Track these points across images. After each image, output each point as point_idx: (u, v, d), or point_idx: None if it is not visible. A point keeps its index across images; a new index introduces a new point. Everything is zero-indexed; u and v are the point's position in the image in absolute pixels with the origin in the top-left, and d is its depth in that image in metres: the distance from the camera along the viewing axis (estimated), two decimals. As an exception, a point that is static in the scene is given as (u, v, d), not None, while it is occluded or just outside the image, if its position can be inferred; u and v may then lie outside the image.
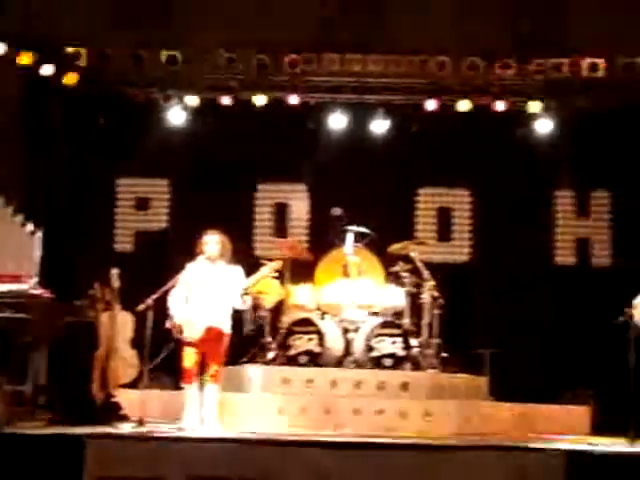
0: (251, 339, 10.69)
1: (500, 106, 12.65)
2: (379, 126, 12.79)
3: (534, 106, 12.62)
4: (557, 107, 12.65)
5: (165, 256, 10.30)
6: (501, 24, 14.26)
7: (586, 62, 12.29)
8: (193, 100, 12.64)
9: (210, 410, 8.69)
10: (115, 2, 13.41)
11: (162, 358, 9.88)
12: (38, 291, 9.77)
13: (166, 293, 8.78)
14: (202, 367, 9.01)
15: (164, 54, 12.38)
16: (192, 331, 8.67)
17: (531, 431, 9.65)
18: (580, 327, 11.70)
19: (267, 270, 9.30)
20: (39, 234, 11.14)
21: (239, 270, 9.00)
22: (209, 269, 8.86)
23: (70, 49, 12.35)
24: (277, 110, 12.74)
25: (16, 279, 10.07)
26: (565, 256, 13.01)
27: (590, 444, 8.11)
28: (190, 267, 8.88)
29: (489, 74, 12.52)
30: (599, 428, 10.05)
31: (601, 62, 12.25)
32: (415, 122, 12.76)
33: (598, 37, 12.68)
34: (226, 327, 8.83)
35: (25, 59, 11.86)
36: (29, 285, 9.88)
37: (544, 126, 12.67)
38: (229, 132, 12.74)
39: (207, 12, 12.96)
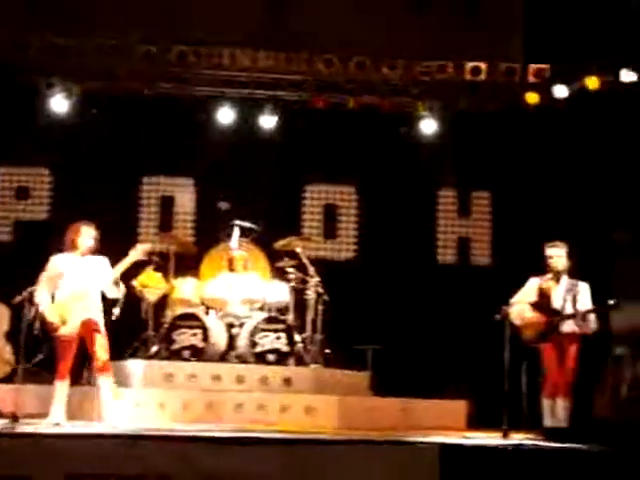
0: (133, 333, 10.54)
1: (386, 105, 12.80)
2: (267, 122, 12.78)
3: (419, 107, 12.81)
4: (441, 108, 12.85)
5: (45, 248, 10.04)
6: (390, 25, 14.47)
7: (469, 65, 12.53)
8: (77, 89, 12.39)
9: (107, 403, 8.56)
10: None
11: (40, 355, 9.71)
12: None
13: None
14: (88, 362, 8.94)
15: (50, 40, 12.13)
16: (66, 327, 8.50)
17: (411, 425, 9.76)
18: (460, 324, 11.89)
19: (136, 254, 9.11)
20: None
21: (105, 260, 8.86)
22: (76, 262, 8.66)
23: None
24: (165, 102, 12.63)
25: None
26: (446, 255, 13.22)
27: (465, 437, 8.24)
28: (55, 261, 8.66)
29: (376, 74, 12.62)
30: (476, 422, 10.28)
31: (483, 65, 12.52)
32: (303, 119, 12.83)
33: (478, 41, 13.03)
34: (98, 319, 8.69)
35: None
36: None
37: (428, 126, 12.86)
38: (115, 123, 12.56)
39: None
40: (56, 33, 12.12)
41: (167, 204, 12.98)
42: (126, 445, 6.82)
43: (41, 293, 8.54)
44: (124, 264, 8.91)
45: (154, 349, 10.43)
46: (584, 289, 8.94)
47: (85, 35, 12.15)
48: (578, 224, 12.01)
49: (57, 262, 8.67)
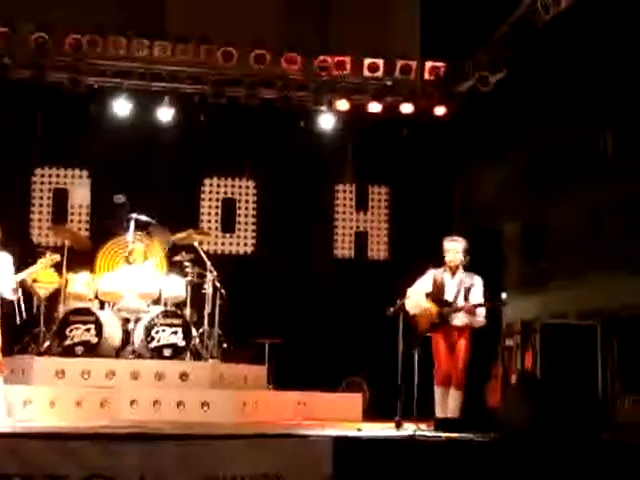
0: (24, 329, 10.41)
1: (286, 100, 12.85)
2: (165, 114, 12.73)
3: (319, 102, 12.92)
4: (342, 104, 12.97)
5: None
6: (289, 19, 14.58)
7: (367, 61, 12.68)
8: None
9: None
10: None
11: None
12: None
13: None
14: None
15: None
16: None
17: (308, 418, 9.85)
18: (357, 318, 12.03)
19: (43, 264, 9.06)
20: None
21: (8, 258, 8.73)
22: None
23: None
24: (58, 93, 12.43)
25: None
26: (344, 249, 13.38)
27: (358, 430, 8.30)
28: None
29: (275, 68, 12.67)
30: (371, 414, 10.39)
31: (381, 62, 12.68)
32: (202, 112, 12.82)
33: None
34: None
35: None
36: None
37: (327, 122, 12.96)
38: (6, 113, 12.34)
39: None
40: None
41: (60, 197, 12.82)
42: (11, 444, 6.75)
43: None
44: (29, 272, 8.84)
45: (46, 345, 10.28)
46: (478, 283, 9.08)
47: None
48: (472, 220, 12.31)
49: None
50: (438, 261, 9.21)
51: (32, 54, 12.16)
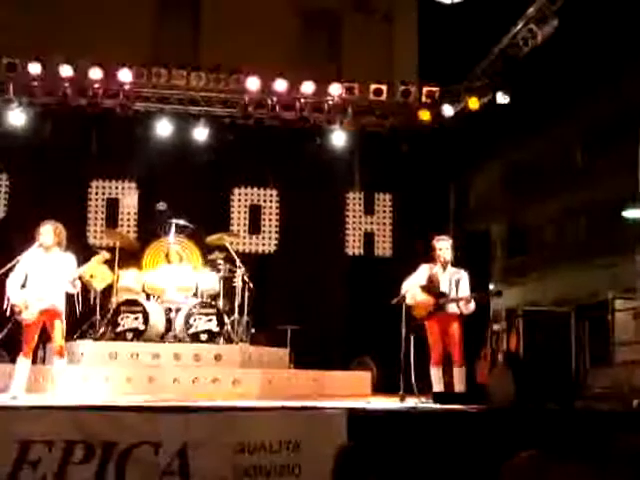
0: (82, 318, 10.46)
1: (303, 120, 12.89)
2: (200, 134, 12.78)
3: (332, 121, 12.94)
4: (351, 123, 12.99)
5: (3, 242, 9.93)
6: (307, 51, 14.66)
7: (372, 87, 12.68)
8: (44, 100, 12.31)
9: (60, 379, 8.48)
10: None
11: (2, 335, 9.58)
12: None
13: (4, 275, 8.52)
14: (42, 343, 8.87)
15: (4, 62, 11.98)
16: (28, 312, 8.46)
17: (323, 394, 9.79)
18: (365, 307, 12.02)
19: (96, 261, 9.11)
20: None
21: (71, 258, 8.80)
22: (44, 257, 8.60)
23: None
24: (111, 116, 12.53)
25: None
26: (354, 247, 13.36)
27: (368, 402, 8.32)
28: (26, 254, 8.60)
29: (294, 93, 12.69)
30: (379, 390, 10.39)
31: (384, 87, 12.69)
32: (232, 132, 12.86)
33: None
34: (60, 308, 8.65)
35: None
36: None
37: (338, 139, 13.00)
38: (67, 134, 12.42)
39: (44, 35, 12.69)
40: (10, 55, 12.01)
41: (112, 205, 12.86)
42: (73, 415, 6.80)
43: (10, 282, 8.47)
44: (86, 268, 8.90)
45: (101, 331, 10.34)
46: (465, 277, 9.10)
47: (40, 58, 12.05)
48: (461, 223, 12.32)
49: (25, 257, 8.57)
50: (429, 258, 9.22)
51: (89, 84, 12.26)
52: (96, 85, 12.24)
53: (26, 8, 13.14)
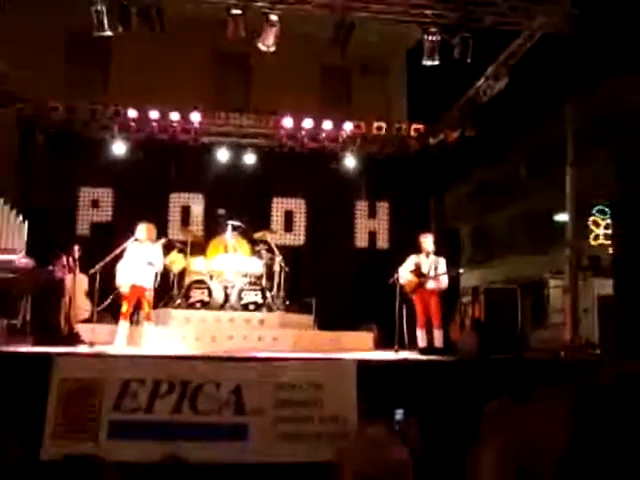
0: (164, 292, 10.54)
1: (323, 149, 12.94)
2: (249, 159, 12.83)
3: (345, 150, 12.96)
4: (359, 151, 13.00)
5: (110, 239, 10.04)
6: (325, 97, 14.67)
7: (375, 124, 12.71)
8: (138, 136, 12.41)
9: (149, 336, 8.61)
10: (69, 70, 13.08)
11: (107, 304, 9.71)
12: (24, 260, 9.51)
13: (109, 263, 8.64)
14: (136, 310, 8.97)
15: (112, 109, 12.09)
16: (124, 287, 8.60)
17: (339, 349, 9.77)
18: (369, 285, 11.99)
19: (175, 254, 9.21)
20: (26, 223, 10.75)
21: (159, 249, 8.91)
22: (138, 247, 8.77)
23: (50, 103, 11.91)
24: (185, 147, 12.63)
25: (10, 252, 9.78)
26: (361, 242, 13.31)
27: (371, 355, 8.40)
28: (127, 246, 8.76)
29: (318, 129, 12.73)
30: (379, 345, 10.38)
31: (384, 124, 12.71)
32: (271, 157, 12.86)
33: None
34: (149, 285, 8.75)
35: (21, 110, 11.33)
36: (19, 256, 9.60)
37: (350, 162, 13.02)
38: (153, 161, 12.54)
39: (142, 90, 12.83)
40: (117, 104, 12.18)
41: (186, 210, 12.93)
42: (159, 362, 6.91)
43: (119, 266, 8.64)
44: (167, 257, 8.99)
45: (177, 302, 10.38)
46: (442, 263, 9.15)
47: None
48: (439, 224, 12.31)
49: (127, 247, 8.74)
50: (416, 250, 9.26)
51: (169, 124, 12.37)
52: (174, 124, 12.35)
53: (132, 70, 13.48)
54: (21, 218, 10.75)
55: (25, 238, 10.56)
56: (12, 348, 7.69)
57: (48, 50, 14.14)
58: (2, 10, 8.31)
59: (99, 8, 8.13)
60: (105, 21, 8.18)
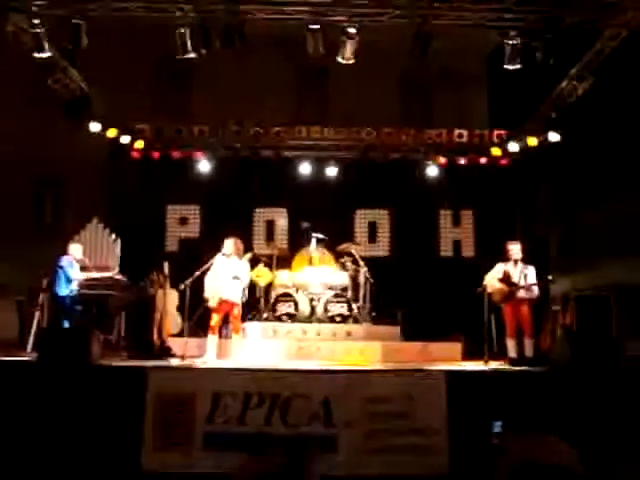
0: (252, 306, 10.66)
1: (405, 158, 12.84)
2: (331, 171, 12.84)
3: (426, 159, 12.83)
4: (440, 159, 12.84)
5: (197, 254, 10.30)
6: (405, 106, 14.62)
7: (456, 132, 12.54)
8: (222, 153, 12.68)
9: (238, 349, 8.77)
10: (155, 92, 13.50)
11: (197, 318, 9.96)
12: (119, 276, 9.83)
13: (198, 278, 8.83)
14: (224, 323, 9.14)
15: (196, 128, 12.44)
16: (213, 301, 8.76)
17: (426, 359, 9.68)
18: (456, 294, 11.77)
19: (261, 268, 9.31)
20: (119, 241, 11.19)
21: (246, 264, 9.06)
22: (226, 262, 8.91)
23: (138, 125, 12.40)
24: (269, 162, 12.77)
25: (105, 269, 10.17)
26: (446, 251, 13.05)
27: (460, 366, 8.27)
28: (215, 261, 8.94)
29: (398, 139, 12.66)
30: (468, 356, 10.20)
31: (465, 132, 12.51)
32: (353, 169, 12.86)
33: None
34: (237, 299, 8.89)
35: (111, 133, 11.82)
36: (113, 273, 9.96)
37: (432, 171, 12.87)
38: (237, 176, 12.73)
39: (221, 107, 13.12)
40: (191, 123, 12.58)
41: (270, 224, 13.00)
42: (250, 374, 7.01)
43: (207, 279, 8.80)
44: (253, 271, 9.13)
45: (265, 315, 10.53)
46: (531, 271, 8.89)
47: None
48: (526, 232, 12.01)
49: (214, 261, 8.89)
50: (503, 258, 9.05)
51: (252, 140, 12.59)
52: (257, 140, 12.55)
53: (214, 90, 13.93)
54: (114, 236, 11.21)
55: (118, 255, 11.00)
56: (108, 362, 7.98)
57: (136, 74, 14.78)
58: (95, 39, 8.81)
59: (182, 31, 8.42)
60: (188, 43, 8.46)
